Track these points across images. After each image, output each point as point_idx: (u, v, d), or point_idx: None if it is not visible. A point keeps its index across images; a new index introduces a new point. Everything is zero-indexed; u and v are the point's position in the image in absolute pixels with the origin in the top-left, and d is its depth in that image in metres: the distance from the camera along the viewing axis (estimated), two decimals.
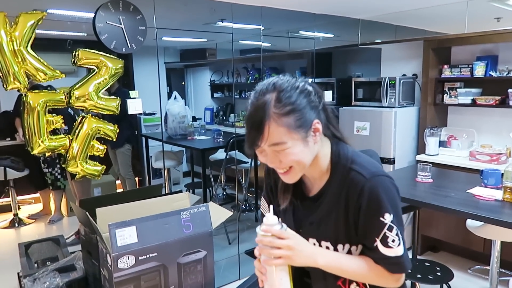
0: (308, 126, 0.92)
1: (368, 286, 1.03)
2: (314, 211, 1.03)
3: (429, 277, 2.25)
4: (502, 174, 2.17)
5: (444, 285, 2.27)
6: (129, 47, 2.23)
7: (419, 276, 2.26)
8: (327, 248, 1.00)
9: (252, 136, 0.90)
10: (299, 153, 0.92)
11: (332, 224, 0.99)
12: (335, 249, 1.00)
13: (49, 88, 2.49)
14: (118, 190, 4.49)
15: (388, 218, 0.94)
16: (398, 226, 0.95)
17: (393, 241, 0.94)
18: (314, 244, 1.02)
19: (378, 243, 0.95)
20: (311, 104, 0.93)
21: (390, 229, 0.94)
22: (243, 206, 4.50)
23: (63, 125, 2.02)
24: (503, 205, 2.05)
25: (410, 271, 0.98)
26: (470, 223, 2.49)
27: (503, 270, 2.86)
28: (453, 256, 3.35)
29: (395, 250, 0.95)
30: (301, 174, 0.97)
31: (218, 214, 1.68)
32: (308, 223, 1.03)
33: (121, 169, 4.14)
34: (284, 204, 1.07)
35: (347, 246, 1.00)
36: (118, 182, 4.52)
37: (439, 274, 2.29)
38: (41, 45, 2.07)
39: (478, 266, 3.14)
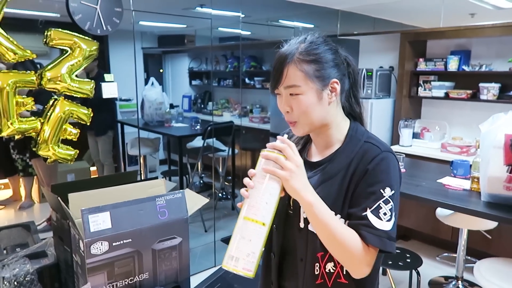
0: (326, 81, 0.96)
1: (345, 272, 0.99)
2: (313, 175, 1.02)
3: (399, 263, 2.33)
4: (471, 165, 2.25)
5: (414, 271, 2.35)
6: (104, 29, 2.16)
7: (390, 262, 2.33)
8: None
9: (274, 77, 0.96)
10: (310, 105, 0.95)
11: (330, 190, 0.97)
12: None
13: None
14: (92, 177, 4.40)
15: (388, 192, 0.93)
16: (394, 205, 0.94)
17: (384, 214, 0.93)
18: None
19: (368, 212, 0.92)
20: (335, 61, 0.97)
21: (386, 202, 0.93)
22: (219, 194, 4.50)
23: (34, 107, 1.94)
24: (471, 194, 2.14)
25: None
26: (440, 212, 2.58)
27: (469, 257, 2.99)
28: (423, 244, 3.47)
29: (384, 223, 0.92)
30: (307, 128, 0.98)
31: (194, 201, 1.67)
32: None
33: (101, 156, 4.08)
34: None
35: (337, 216, 0.97)
36: (92, 168, 4.42)
37: (408, 260, 2.37)
38: (11, 25, 1.98)
39: (446, 254, 3.26)
